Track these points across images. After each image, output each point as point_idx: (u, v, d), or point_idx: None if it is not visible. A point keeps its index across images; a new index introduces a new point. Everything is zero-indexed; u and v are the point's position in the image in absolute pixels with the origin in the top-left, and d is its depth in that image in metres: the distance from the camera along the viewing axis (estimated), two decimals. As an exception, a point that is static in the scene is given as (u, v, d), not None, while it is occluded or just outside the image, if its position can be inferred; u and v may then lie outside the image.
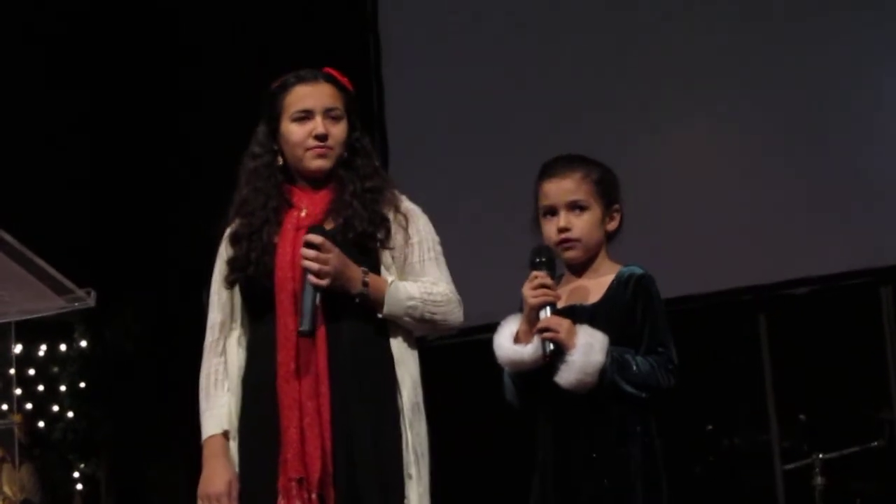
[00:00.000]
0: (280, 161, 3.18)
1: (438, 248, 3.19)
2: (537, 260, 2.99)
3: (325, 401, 2.99)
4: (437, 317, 3.10)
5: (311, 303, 2.99)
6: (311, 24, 7.21)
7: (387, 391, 3.06)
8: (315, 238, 3.01)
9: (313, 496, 2.95)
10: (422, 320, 3.09)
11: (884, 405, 5.74)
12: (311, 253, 2.99)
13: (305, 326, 2.97)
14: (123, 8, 7.88)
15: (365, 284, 3.03)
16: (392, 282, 3.07)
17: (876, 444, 5.40)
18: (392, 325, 3.10)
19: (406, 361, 3.10)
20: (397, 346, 3.10)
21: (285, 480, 2.97)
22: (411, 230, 3.15)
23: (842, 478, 5.47)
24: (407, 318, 3.08)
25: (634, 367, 2.91)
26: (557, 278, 3.07)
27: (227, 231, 3.19)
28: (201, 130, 7.32)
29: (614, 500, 2.91)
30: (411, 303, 3.06)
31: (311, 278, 2.99)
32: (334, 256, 3.00)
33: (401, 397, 3.07)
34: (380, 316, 3.06)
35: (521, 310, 3.03)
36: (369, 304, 3.05)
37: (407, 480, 3.03)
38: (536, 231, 3.11)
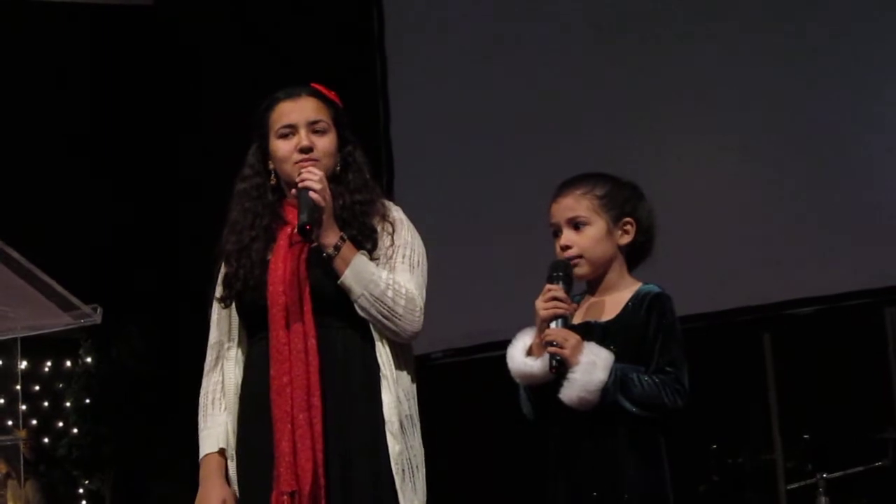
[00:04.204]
0: (273, 180, 3.20)
1: (418, 258, 3.17)
2: (554, 274, 2.99)
3: (317, 413, 3.00)
4: (395, 309, 3.06)
5: (308, 200, 2.99)
6: (318, 41, 7.24)
7: (379, 403, 3.06)
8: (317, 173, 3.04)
9: None
10: (378, 303, 3.04)
11: (888, 425, 5.72)
12: (315, 174, 3.02)
13: (304, 218, 2.97)
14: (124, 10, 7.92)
15: (343, 239, 3.04)
16: (364, 255, 3.09)
17: (880, 463, 5.40)
18: (385, 339, 3.10)
19: (399, 374, 3.10)
20: (390, 358, 3.10)
21: (278, 494, 2.99)
22: (395, 237, 3.16)
23: (846, 498, 5.46)
24: (365, 295, 3.04)
25: (638, 386, 2.89)
26: (580, 296, 3.08)
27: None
28: (206, 146, 7.33)
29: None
30: (374, 278, 3.04)
31: (307, 183, 3.01)
32: (330, 197, 3.03)
33: (393, 409, 3.06)
34: (339, 282, 3.04)
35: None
36: (336, 266, 3.04)
37: (401, 493, 3.03)
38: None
